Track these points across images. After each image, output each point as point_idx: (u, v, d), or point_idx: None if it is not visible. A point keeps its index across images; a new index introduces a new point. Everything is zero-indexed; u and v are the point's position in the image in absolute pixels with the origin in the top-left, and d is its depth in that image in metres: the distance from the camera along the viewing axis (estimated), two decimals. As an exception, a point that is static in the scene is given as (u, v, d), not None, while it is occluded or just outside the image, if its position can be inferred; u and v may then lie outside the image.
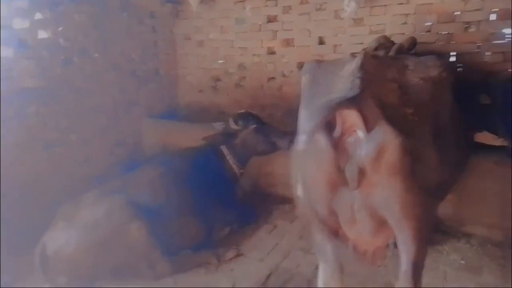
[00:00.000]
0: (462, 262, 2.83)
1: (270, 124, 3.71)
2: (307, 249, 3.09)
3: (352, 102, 1.48)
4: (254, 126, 3.52)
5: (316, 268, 2.78)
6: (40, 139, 3.63)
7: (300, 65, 4.50)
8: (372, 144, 1.51)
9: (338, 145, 1.57)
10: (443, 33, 3.65)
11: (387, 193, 1.57)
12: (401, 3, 3.74)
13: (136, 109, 4.85)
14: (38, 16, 3.56)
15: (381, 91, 1.60)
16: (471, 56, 3.53)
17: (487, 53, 3.49)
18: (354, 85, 1.55)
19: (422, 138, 1.60)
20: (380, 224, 1.68)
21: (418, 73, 1.72)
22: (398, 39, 3.77)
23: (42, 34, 3.62)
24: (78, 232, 2.54)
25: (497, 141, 3.06)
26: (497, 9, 3.39)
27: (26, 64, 3.43)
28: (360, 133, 1.53)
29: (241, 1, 4.63)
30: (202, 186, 3.24)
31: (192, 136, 4.38)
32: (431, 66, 1.76)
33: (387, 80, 1.67)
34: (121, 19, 4.46)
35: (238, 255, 3.01)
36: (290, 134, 3.64)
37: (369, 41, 3.92)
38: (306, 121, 1.74)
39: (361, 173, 1.55)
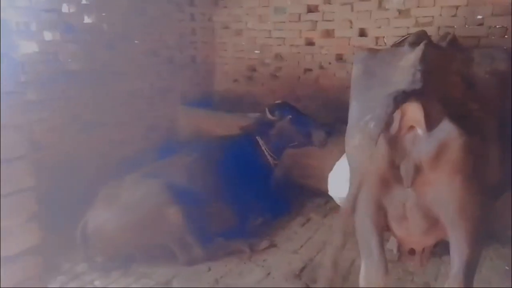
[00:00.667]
0: (507, 268, 2.69)
1: (307, 115, 3.64)
2: (342, 245, 3.03)
3: (416, 95, 1.40)
4: (290, 116, 3.47)
5: (352, 264, 2.77)
6: (80, 121, 3.72)
7: (339, 57, 4.40)
8: (433, 142, 1.43)
9: (394, 142, 1.49)
10: (497, 26, 3.44)
11: (444, 192, 1.49)
12: (453, -6, 3.55)
13: (171, 95, 4.89)
14: (84, 1, 3.63)
15: (444, 85, 1.51)
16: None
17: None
18: (415, 79, 1.46)
19: (486, 136, 1.50)
20: (432, 223, 1.61)
21: (484, 67, 1.61)
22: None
23: (87, 19, 3.70)
24: (117, 212, 2.59)
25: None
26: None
27: (71, 48, 3.51)
28: (420, 130, 1.45)
29: (281, -10, 4.55)
30: (236, 175, 3.23)
31: (226, 125, 4.40)
32: (498, 59, 1.63)
33: (450, 73, 1.57)
34: (161, 6, 4.49)
35: (271, 246, 2.99)
36: (328, 126, 3.58)
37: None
38: (359, 114, 1.66)
39: (417, 170, 1.48)
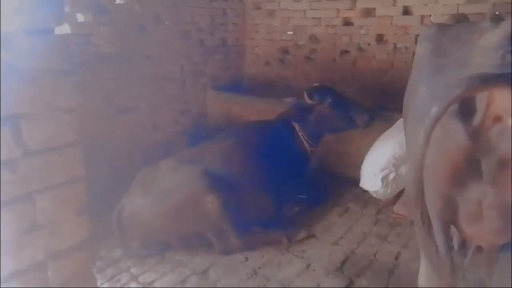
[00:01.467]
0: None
1: (348, 97, 3.46)
2: (384, 237, 2.88)
3: (507, 80, 1.18)
4: (331, 100, 3.30)
5: (397, 258, 2.62)
6: (113, 104, 3.67)
7: (380, 38, 4.14)
8: None
9: (477, 134, 1.30)
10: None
11: None
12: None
13: (202, 79, 4.79)
14: (116, -19, 3.53)
15: None
16: None
17: None
18: (505, 62, 1.25)
19: None
20: (507, 223, 1.44)
21: None
22: (501, 10, 3.33)
23: (119, 0, 3.60)
24: (153, 198, 2.52)
25: None
26: None
27: (103, 30, 3.43)
28: (510, 122, 1.24)
29: (318, -33, 4.31)
30: (273, 161, 3.11)
31: (259, 110, 4.27)
32: None
33: None
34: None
35: (310, 236, 2.87)
36: (370, 110, 3.39)
37: (467, 11, 3.49)
38: (430, 100, 1.46)
39: (502, 166, 1.29)
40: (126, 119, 3.80)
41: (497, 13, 1.56)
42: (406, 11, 3.87)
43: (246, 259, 2.62)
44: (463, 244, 1.70)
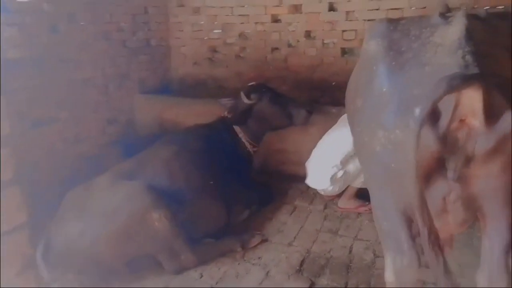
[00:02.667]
0: None
1: (284, 94, 3.45)
2: (335, 231, 2.91)
3: (476, 81, 1.19)
4: (269, 97, 3.25)
5: (350, 251, 2.66)
6: (27, 117, 3.20)
7: (308, 34, 4.20)
8: (493, 136, 1.26)
9: (444, 135, 1.29)
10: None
11: (493, 184, 1.36)
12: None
13: (127, 83, 4.43)
14: (16, -26, 3.06)
15: (496, 65, 1.32)
16: None
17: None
18: (467, 62, 1.25)
19: None
20: (471, 214, 1.50)
21: None
22: (418, 5, 3.57)
23: (24, -3, 3.14)
24: (91, 221, 2.22)
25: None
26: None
27: (9, 32, 2.95)
28: (477, 122, 1.26)
29: (242, -37, 4.22)
30: (217, 166, 2.98)
31: (193, 113, 4.07)
32: None
33: (497, 47, 1.37)
34: (108, -18, 3.97)
35: (263, 241, 2.78)
36: (307, 105, 3.42)
37: (388, 6, 3.68)
38: (392, 99, 1.43)
39: (467, 163, 1.33)
40: (43, 133, 3.34)
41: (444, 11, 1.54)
42: (332, 7, 3.97)
43: (201, 275, 2.45)
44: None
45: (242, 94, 3.27)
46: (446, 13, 1.48)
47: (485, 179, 1.36)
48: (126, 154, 3.59)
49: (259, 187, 3.38)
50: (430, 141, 1.30)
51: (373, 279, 2.37)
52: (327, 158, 3.02)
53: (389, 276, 1.70)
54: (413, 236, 1.61)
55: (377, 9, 3.73)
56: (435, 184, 1.41)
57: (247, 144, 3.30)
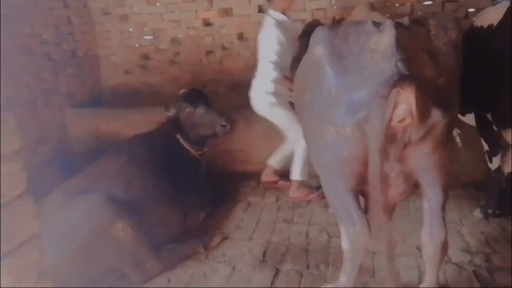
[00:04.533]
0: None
1: (208, 103, 3.32)
2: (290, 220, 3.09)
3: (409, 86, 1.43)
4: (188, 109, 3.18)
5: (307, 236, 2.85)
6: None
7: (241, 36, 4.34)
8: (423, 127, 1.54)
9: (386, 130, 1.51)
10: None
11: (427, 160, 1.66)
12: (340, -32, 3.80)
13: (56, 98, 4.19)
14: None
15: (419, 67, 1.56)
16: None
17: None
18: (399, 69, 1.47)
19: (453, 105, 1.66)
20: (409, 186, 1.79)
21: (441, 38, 1.68)
22: (338, 4, 3.89)
23: None
24: (50, 242, 2.10)
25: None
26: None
27: None
28: (412, 120, 1.50)
29: (169, -31, 4.23)
30: (168, 173, 2.97)
31: (131, 122, 3.98)
32: (450, 29, 1.70)
33: (420, 52, 1.61)
34: (26, -8, 3.73)
35: (224, 238, 2.86)
36: (226, 117, 3.25)
37: (312, 6, 3.96)
38: (341, 99, 1.64)
39: (404, 147, 1.61)
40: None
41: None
42: (261, 9, 4.14)
43: (169, 280, 2.46)
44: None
45: (170, 103, 3.22)
46: (377, 22, 1.68)
47: (420, 158, 1.66)
48: (65, 172, 3.42)
49: (212, 189, 3.43)
50: (378, 136, 1.52)
51: (330, 257, 2.58)
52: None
53: (344, 244, 1.93)
54: (361, 209, 1.87)
55: (303, 10, 3.98)
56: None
57: (191, 149, 3.29)
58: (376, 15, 2.19)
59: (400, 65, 1.48)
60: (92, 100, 4.68)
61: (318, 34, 1.82)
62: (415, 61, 1.56)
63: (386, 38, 1.56)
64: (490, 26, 2.49)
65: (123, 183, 2.55)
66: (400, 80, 1.45)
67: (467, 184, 3.31)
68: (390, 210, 2.09)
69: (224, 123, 3.18)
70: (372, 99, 1.46)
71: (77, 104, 4.41)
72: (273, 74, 3.07)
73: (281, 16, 3.12)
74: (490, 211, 2.87)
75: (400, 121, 1.51)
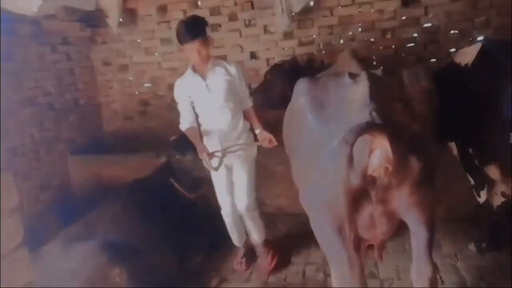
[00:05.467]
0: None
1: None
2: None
3: (383, 130, 1.51)
4: (188, 155, 3.21)
5: (303, 276, 2.86)
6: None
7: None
8: (401, 172, 1.61)
9: (365, 175, 1.61)
10: (364, 40, 4.05)
11: (407, 201, 1.72)
12: (326, 16, 4.04)
13: (58, 146, 4.33)
14: None
15: (393, 115, 1.66)
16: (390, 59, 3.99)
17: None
18: (373, 117, 1.57)
19: (429, 149, 1.74)
20: (393, 225, 1.85)
21: (413, 87, 1.81)
22: (327, 48, 4.11)
23: None
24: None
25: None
26: (405, 17, 3.91)
27: None
28: (388, 166, 1.56)
29: (165, 22, 4.50)
30: (163, 216, 3.03)
31: (131, 168, 4.08)
32: (422, 78, 1.85)
33: (393, 100, 1.72)
34: (31, 48, 3.96)
35: (221, 281, 2.88)
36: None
37: (301, 52, 4.18)
38: (323, 144, 1.73)
39: (385, 190, 1.67)
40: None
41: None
42: (254, 56, 4.37)
43: (165, 326, 2.46)
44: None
45: (155, 154, 3.37)
46: (354, 74, 1.82)
47: (400, 199, 1.73)
48: (66, 219, 3.48)
49: (209, 231, 3.46)
50: (355, 179, 1.62)
51: (327, 296, 2.58)
52: None
53: (335, 284, 1.95)
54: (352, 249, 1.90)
55: (292, 54, 4.21)
56: (364, 206, 1.74)
57: (184, 193, 3.35)
58: (354, 64, 2.34)
59: (374, 114, 1.59)
60: (93, 146, 4.82)
61: (300, 86, 1.95)
62: (389, 109, 1.67)
63: (361, 89, 1.68)
64: (466, 65, 2.64)
65: (118, 228, 2.61)
66: (371, 127, 1.54)
67: (462, 217, 3.34)
68: (379, 248, 2.15)
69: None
70: (342, 146, 1.53)
71: (79, 151, 4.54)
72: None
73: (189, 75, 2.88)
74: (483, 245, 2.89)
75: (375, 171, 1.60)
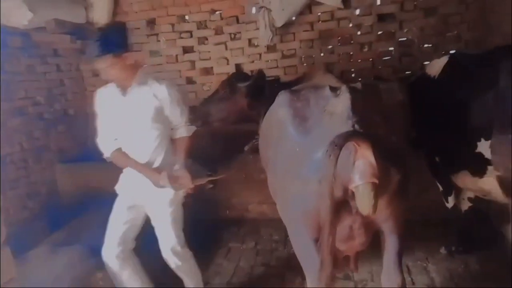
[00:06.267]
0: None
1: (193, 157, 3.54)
2: (267, 263, 3.22)
3: (366, 139, 1.55)
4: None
5: (283, 279, 2.97)
6: None
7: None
8: (380, 185, 1.61)
9: (346, 189, 1.64)
10: (343, 53, 4.24)
11: (384, 212, 1.78)
12: (307, 30, 4.23)
13: (47, 154, 4.41)
14: None
15: (373, 127, 1.69)
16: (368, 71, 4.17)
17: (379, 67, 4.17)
18: (356, 129, 1.60)
19: (405, 160, 1.81)
20: (369, 236, 1.92)
21: (390, 100, 1.87)
22: (308, 61, 4.29)
23: None
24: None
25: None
26: (381, 32, 4.11)
27: None
28: (372, 169, 1.55)
29: (154, 34, 4.65)
30: (149, 223, 3.13)
31: (118, 176, 4.16)
32: (396, 91, 1.93)
33: (372, 113, 1.75)
34: (21, 60, 4.08)
35: (204, 284, 2.97)
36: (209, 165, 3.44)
37: (283, 64, 4.35)
38: (305, 156, 1.76)
39: None
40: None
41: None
42: (238, 68, 4.52)
43: (148, 328, 2.55)
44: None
45: None
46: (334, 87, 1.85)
47: (379, 209, 1.71)
48: (54, 226, 3.55)
49: (194, 235, 3.56)
50: (338, 191, 1.66)
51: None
52: None
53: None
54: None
55: (276, 67, 4.38)
56: (343, 216, 1.79)
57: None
58: (330, 78, 2.45)
59: (357, 126, 1.64)
60: (83, 154, 4.89)
61: (281, 98, 2.00)
62: (370, 122, 1.71)
63: (342, 102, 1.72)
64: (434, 76, 2.76)
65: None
66: (357, 135, 1.59)
67: (436, 221, 3.49)
68: (355, 259, 2.23)
69: (208, 173, 3.40)
70: (329, 151, 1.57)
71: (67, 160, 4.62)
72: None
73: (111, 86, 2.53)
74: (453, 248, 3.04)
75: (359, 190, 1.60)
